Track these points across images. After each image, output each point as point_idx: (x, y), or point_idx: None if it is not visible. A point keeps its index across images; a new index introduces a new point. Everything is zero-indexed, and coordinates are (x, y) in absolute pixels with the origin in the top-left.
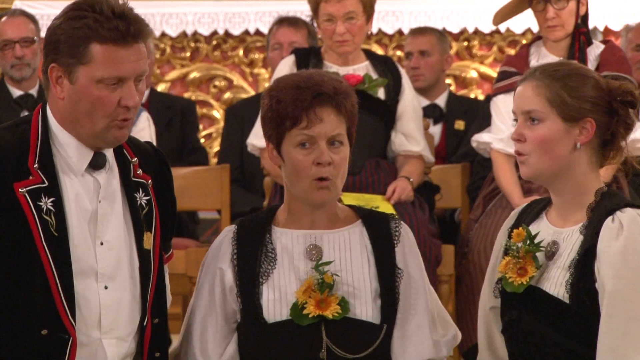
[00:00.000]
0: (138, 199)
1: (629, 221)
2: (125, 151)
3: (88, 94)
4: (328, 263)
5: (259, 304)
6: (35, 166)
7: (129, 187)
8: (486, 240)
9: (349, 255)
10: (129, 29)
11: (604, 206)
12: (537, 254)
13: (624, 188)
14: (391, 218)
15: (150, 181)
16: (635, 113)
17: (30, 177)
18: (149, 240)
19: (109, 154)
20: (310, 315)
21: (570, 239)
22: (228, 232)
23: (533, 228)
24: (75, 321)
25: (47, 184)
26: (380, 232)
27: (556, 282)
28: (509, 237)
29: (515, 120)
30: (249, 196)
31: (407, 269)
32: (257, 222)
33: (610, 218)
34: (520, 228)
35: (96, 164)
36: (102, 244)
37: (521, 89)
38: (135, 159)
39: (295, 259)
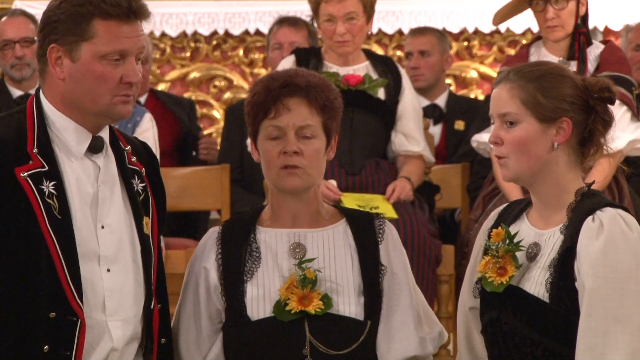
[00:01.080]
0: (135, 185)
1: (609, 220)
2: (119, 140)
3: (91, 70)
4: (311, 260)
5: (243, 302)
6: (34, 151)
7: (125, 173)
8: None
9: (333, 252)
10: (131, 5)
11: (584, 206)
12: (518, 254)
13: (624, 188)
14: (375, 217)
15: (143, 169)
16: (635, 113)
17: (31, 162)
18: (147, 226)
19: (106, 138)
20: (292, 311)
21: (551, 240)
22: (213, 232)
23: (513, 229)
24: (82, 303)
25: (47, 168)
26: (364, 231)
27: (536, 282)
28: (489, 237)
29: (493, 123)
30: (249, 196)
31: (390, 266)
32: (241, 222)
33: (590, 217)
34: (500, 228)
35: (95, 147)
36: (102, 227)
37: (496, 91)
38: (129, 147)
39: (279, 258)
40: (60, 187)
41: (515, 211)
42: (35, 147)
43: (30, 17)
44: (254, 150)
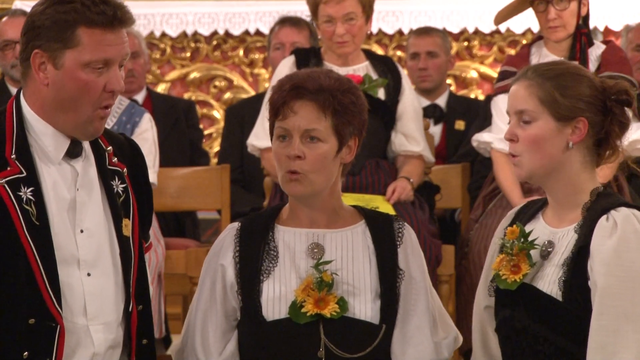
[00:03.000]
0: (114, 186)
1: (623, 220)
2: (99, 140)
3: (74, 78)
4: (328, 262)
5: (259, 301)
6: (12, 157)
7: (105, 175)
8: (486, 240)
9: (351, 254)
10: (116, 14)
11: (599, 205)
12: (532, 252)
13: (624, 188)
14: (394, 219)
15: (125, 169)
16: (636, 113)
17: (9, 168)
18: (127, 228)
19: (85, 143)
20: (308, 314)
21: (565, 238)
22: (231, 229)
23: (529, 227)
24: (61, 309)
25: (25, 174)
26: (383, 233)
27: (549, 280)
28: (504, 235)
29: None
30: (249, 196)
31: (409, 271)
32: (260, 219)
33: (604, 217)
34: (515, 226)
35: (73, 152)
36: (82, 231)
37: (514, 88)
38: (110, 147)
39: (297, 257)
40: (38, 193)
41: (531, 210)
42: (13, 152)
43: None
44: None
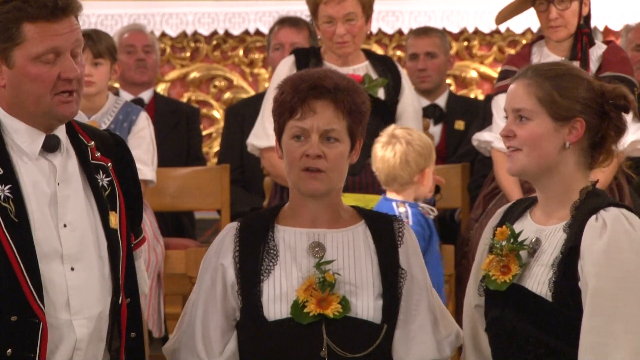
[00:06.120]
0: (99, 180)
1: (613, 220)
2: (80, 136)
3: (27, 73)
4: (330, 262)
5: (260, 301)
6: None
7: (88, 169)
8: None
9: (352, 254)
10: (57, 4)
11: (588, 205)
12: (521, 252)
13: (624, 188)
14: (394, 219)
15: (110, 164)
16: (637, 113)
17: None
18: (115, 220)
19: (62, 136)
20: (311, 314)
21: (553, 237)
22: (231, 228)
23: (517, 226)
24: (44, 305)
25: (1, 172)
26: (383, 233)
27: (539, 281)
28: (494, 235)
29: (507, 117)
30: (249, 196)
31: (410, 270)
32: (260, 219)
33: (593, 217)
34: (504, 226)
35: (49, 146)
36: (65, 225)
37: (513, 87)
38: (92, 142)
39: (298, 256)
40: (16, 190)
41: (519, 209)
42: None
43: None
44: (278, 148)
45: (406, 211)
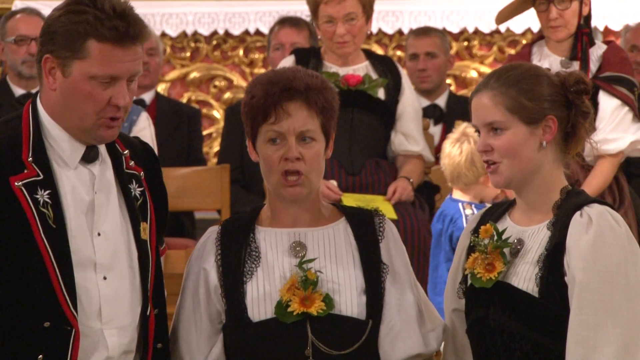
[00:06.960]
0: (132, 190)
1: (598, 215)
2: (116, 144)
3: (80, 88)
4: (311, 260)
5: (244, 303)
6: (29, 159)
7: (122, 179)
8: None
9: (334, 251)
10: (128, 30)
11: (571, 203)
12: (504, 249)
13: (624, 188)
14: (375, 214)
15: (142, 173)
16: (637, 113)
17: (26, 171)
18: (145, 231)
19: (101, 146)
20: (294, 313)
21: (536, 236)
22: (212, 232)
23: (498, 227)
24: (77, 312)
25: (42, 176)
26: (364, 229)
27: (525, 277)
28: (476, 235)
29: (477, 132)
30: (249, 196)
31: (392, 265)
32: (240, 222)
33: (578, 213)
34: (488, 224)
35: (89, 157)
36: (99, 234)
37: (477, 100)
38: (127, 151)
39: (280, 256)
40: (55, 196)
41: (497, 212)
42: (30, 155)
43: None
44: (252, 151)
45: (473, 213)
